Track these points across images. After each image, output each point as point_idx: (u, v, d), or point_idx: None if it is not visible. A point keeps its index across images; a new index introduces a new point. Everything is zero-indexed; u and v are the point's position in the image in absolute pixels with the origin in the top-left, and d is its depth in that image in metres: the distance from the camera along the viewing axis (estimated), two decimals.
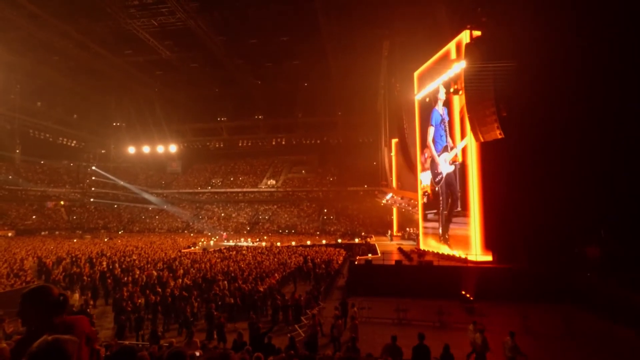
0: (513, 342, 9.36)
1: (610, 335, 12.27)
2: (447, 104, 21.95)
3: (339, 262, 25.27)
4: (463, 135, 20.27)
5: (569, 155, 17.66)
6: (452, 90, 20.63)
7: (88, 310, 13.89)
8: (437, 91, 23.03)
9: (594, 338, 12.08)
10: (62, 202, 58.25)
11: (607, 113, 16.92)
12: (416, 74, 26.42)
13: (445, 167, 21.98)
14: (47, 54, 46.20)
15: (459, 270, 17.68)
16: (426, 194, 25.03)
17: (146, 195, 62.36)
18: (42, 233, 47.62)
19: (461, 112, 20.18)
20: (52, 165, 62.00)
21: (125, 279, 18.26)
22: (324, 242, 37.87)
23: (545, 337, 12.07)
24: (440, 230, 22.61)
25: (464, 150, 20.24)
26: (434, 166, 23.54)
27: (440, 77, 22.36)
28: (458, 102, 20.74)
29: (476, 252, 18.77)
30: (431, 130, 23.80)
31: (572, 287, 15.95)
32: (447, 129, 21.89)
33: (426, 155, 24.76)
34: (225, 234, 46.21)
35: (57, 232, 49.16)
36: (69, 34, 40.67)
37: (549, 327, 12.50)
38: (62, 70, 52.13)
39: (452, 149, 21.33)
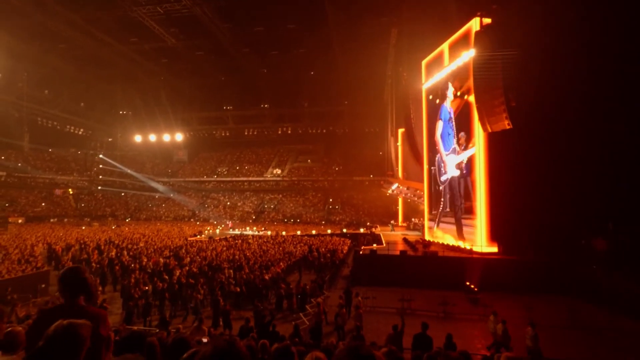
0: (534, 331, 9.45)
1: (614, 328, 12.24)
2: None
3: (344, 251, 25.39)
4: (470, 139, 19.92)
5: (578, 147, 17.41)
6: (458, 94, 20.39)
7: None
8: (445, 87, 22.64)
9: (598, 330, 12.07)
10: (70, 190, 58.95)
11: (616, 104, 16.60)
12: (424, 62, 26.05)
13: (452, 169, 21.75)
14: (54, 42, 46.31)
15: (463, 261, 17.67)
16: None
17: (153, 184, 62.86)
18: (51, 220, 48.33)
19: (466, 114, 19.88)
20: (59, 153, 62.59)
21: (133, 265, 18.54)
22: (329, 231, 38.01)
23: (549, 328, 12.07)
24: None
25: (471, 140, 20.00)
26: (441, 164, 23.31)
27: (449, 65, 22.04)
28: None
29: (482, 244, 18.72)
30: (439, 125, 23.48)
31: (577, 280, 15.89)
32: (455, 128, 21.59)
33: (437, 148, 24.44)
34: (231, 222, 46.56)
35: (65, 220, 49.87)
36: (75, 22, 40.65)
37: (554, 319, 12.49)
38: (69, 59, 52.28)
39: (459, 152, 21.05)
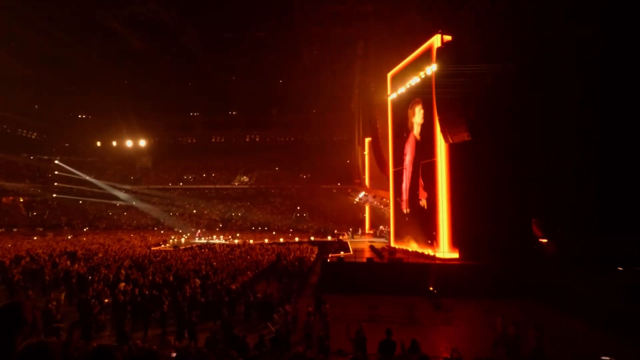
0: (538, 332, 9.97)
1: (564, 326, 13.12)
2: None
3: (312, 259, 25.47)
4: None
5: (533, 157, 18.64)
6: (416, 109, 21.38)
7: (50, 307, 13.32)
8: (409, 99, 23.62)
9: (550, 329, 12.89)
10: (21, 199, 55.17)
11: (572, 114, 17.87)
12: (389, 74, 26.95)
13: None
14: (4, 39, 43.44)
15: (427, 268, 18.28)
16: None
17: (114, 191, 60.11)
18: None
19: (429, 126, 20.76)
20: (9, 158, 58.41)
21: (91, 277, 17.65)
22: (297, 239, 37.97)
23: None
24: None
25: (434, 150, 20.86)
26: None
27: (413, 79, 22.93)
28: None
29: (444, 250, 19.47)
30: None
31: (532, 282, 16.86)
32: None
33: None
34: (199, 231, 45.37)
35: (15, 230, 46.54)
36: (29, 18, 38.43)
37: (512, 320, 13.18)
38: (22, 58, 49.18)
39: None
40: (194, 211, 56.91)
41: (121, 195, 59.73)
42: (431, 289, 16.38)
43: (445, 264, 18.65)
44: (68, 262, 21.51)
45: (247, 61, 51.50)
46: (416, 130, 22.92)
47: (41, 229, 46.19)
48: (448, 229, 19.63)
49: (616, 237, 14.99)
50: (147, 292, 14.29)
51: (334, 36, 40.68)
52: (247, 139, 69.51)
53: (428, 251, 20.62)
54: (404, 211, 24.52)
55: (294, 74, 54.55)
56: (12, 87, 55.43)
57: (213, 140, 69.86)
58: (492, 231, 18.12)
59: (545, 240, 18.25)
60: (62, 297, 14.35)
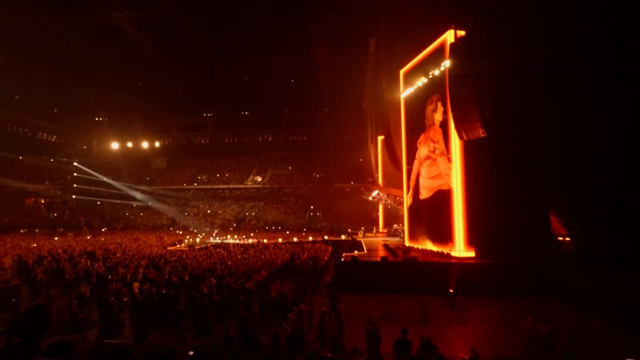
0: (571, 332, 9.89)
1: (583, 326, 12.80)
2: None
3: (326, 258, 25.50)
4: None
5: (549, 154, 18.27)
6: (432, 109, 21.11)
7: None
8: (424, 96, 23.39)
9: (571, 329, 12.58)
10: (42, 200, 56.76)
11: (585, 113, 17.52)
12: (402, 72, 26.72)
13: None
14: (24, 45, 44.71)
15: (442, 266, 18.10)
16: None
17: (130, 192, 61.31)
18: (21, 231, 46.36)
19: (444, 123, 20.52)
20: (31, 161, 60.23)
21: (110, 277, 18.06)
22: (310, 238, 38.04)
23: (522, 328, 12.51)
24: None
25: (448, 148, 20.62)
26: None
27: (426, 75, 22.67)
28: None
29: (459, 248, 19.23)
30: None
31: (549, 280, 16.52)
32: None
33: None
34: (216, 231, 45.77)
35: (37, 230, 47.93)
36: (47, 24, 39.47)
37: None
38: (40, 63, 50.54)
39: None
40: (208, 211, 57.59)
41: (138, 195, 60.85)
42: (451, 290, 16.17)
43: (461, 262, 18.41)
44: (88, 262, 22.06)
45: (259, 61, 51.83)
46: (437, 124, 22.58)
47: (62, 230, 47.44)
48: (464, 227, 19.38)
49: (637, 235, 14.58)
50: (164, 291, 14.54)
51: (345, 34, 40.59)
52: (260, 139, 69.92)
53: (443, 249, 20.40)
54: (413, 204, 24.30)
55: (305, 73, 54.63)
56: (32, 91, 57.13)
57: (226, 140, 70.54)
58: (508, 229, 17.82)
59: (563, 238, 17.86)
60: (87, 292, 14.78)
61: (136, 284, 15.71)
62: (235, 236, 41.19)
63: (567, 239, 18.29)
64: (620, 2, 15.52)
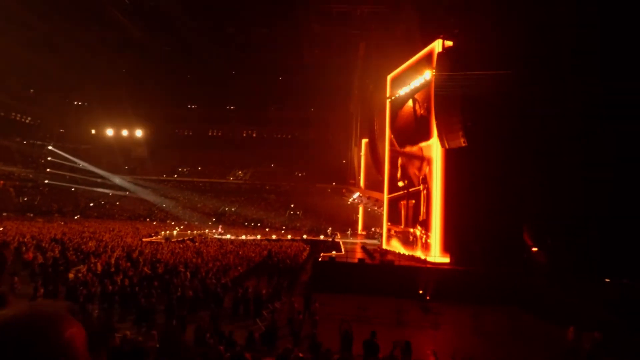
0: (599, 339, 9.72)
1: (550, 336, 13.24)
2: None
3: (304, 257, 25.47)
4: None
5: (527, 165, 18.78)
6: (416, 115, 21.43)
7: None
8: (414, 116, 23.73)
9: (536, 338, 13.00)
10: (12, 184, 54.50)
11: (563, 127, 18.04)
12: (389, 77, 26.99)
13: None
14: (3, 22, 42.86)
15: (418, 271, 18.35)
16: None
17: (107, 180, 59.59)
18: None
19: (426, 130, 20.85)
20: (1, 142, 57.70)
21: (80, 266, 17.50)
22: (289, 237, 37.94)
23: (492, 335, 12.86)
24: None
25: (428, 160, 20.98)
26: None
27: (413, 82, 22.99)
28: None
29: (435, 254, 19.56)
30: None
31: (519, 291, 16.99)
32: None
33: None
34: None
35: (4, 214, 45.99)
36: (28, 2, 38.01)
37: (497, 327, 13.31)
38: (20, 41, 48.52)
39: None
40: (188, 204, 56.64)
41: (117, 180, 59.11)
42: (421, 292, 16.47)
43: (436, 268, 18.73)
44: (57, 250, 21.30)
45: (248, 56, 51.39)
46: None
47: (31, 215, 45.71)
48: (440, 233, 19.73)
49: (607, 249, 15.16)
50: (136, 283, 14.23)
51: (336, 36, 40.70)
52: (244, 135, 69.33)
53: (418, 254, 20.72)
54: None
55: (294, 72, 54.53)
56: (8, 70, 54.69)
57: (210, 134, 69.62)
58: (483, 238, 18.23)
59: (535, 249, 18.41)
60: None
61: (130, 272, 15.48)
62: (214, 230, 40.65)
63: (538, 250, 18.86)
64: (611, 14, 15.80)
